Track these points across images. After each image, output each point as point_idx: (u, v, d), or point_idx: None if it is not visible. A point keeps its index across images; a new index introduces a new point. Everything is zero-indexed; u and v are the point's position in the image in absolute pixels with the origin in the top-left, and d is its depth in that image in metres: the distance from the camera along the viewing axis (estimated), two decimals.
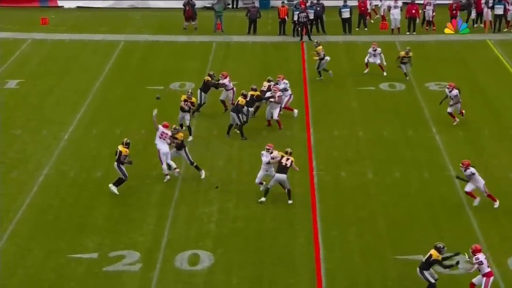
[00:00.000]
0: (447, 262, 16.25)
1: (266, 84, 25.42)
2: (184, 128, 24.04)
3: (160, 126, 21.59)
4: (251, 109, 24.60)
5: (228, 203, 20.44)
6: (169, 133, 21.53)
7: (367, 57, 29.52)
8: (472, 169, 19.71)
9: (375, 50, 29.38)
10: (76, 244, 18.49)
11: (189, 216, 19.80)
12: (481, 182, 19.80)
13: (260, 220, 19.64)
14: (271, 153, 20.42)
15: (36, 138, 24.45)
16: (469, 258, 16.20)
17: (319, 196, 20.80)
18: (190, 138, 24.18)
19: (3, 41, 34.22)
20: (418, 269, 16.18)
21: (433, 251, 16.12)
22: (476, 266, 15.90)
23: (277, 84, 25.32)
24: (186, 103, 23.97)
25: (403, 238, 18.74)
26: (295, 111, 25.80)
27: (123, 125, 25.18)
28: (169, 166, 21.53)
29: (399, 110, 26.65)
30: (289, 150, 20.48)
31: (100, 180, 21.38)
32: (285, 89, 25.44)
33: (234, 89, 26.04)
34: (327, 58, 28.90)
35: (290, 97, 25.78)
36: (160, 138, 21.49)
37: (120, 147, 20.43)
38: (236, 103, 24.34)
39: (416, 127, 25.17)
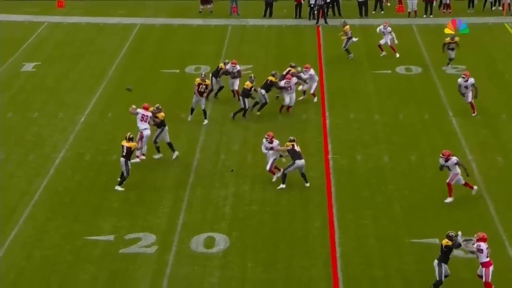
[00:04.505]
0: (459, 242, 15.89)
1: (289, 69, 25.04)
2: (192, 115, 23.97)
3: (139, 110, 21.41)
4: (264, 93, 24.44)
5: (243, 186, 20.46)
6: (150, 114, 21.43)
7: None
8: (455, 158, 19.10)
9: (386, 28, 29.26)
10: (93, 227, 18.60)
11: (205, 199, 19.84)
12: (457, 172, 19.14)
13: (275, 204, 19.65)
14: (270, 142, 20.28)
15: (53, 121, 24.57)
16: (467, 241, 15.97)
17: (334, 180, 20.77)
18: (206, 122, 24.19)
19: (20, 24, 34.33)
20: (436, 260, 15.86)
21: (444, 240, 15.86)
22: (474, 249, 15.60)
23: (295, 72, 24.97)
24: (201, 86, 23.93)
25: (419, 222, 18.69)
26: (315, 98, 25.62)
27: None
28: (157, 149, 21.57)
29: (415, 94, 26.51)
30: (291, 138, 20.33)
31: (116, 163, 21.43)
32: (312, 78, 25.15)
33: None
34: (354, 39, 28.93)
35: (316, 83, 25.54)
36: (141, 121, 21.37)
37: (126, 144, 19.98)
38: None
39: (432, 111, 25.03)
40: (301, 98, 25.57)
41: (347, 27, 29.10)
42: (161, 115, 21.64)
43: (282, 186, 20.16)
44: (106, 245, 17.86)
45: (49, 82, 27.76)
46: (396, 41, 29.35)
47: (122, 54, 30.52)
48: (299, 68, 25.44)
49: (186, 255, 17.50)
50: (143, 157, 21.54)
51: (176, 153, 21.78)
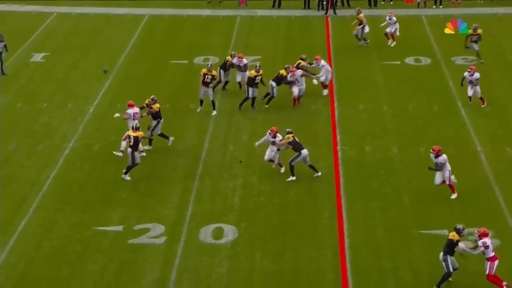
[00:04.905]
0: (463, 249, 15.74)
1: (299, 62, 24.91)
2: (202, 107, 23.95)
3: (129, 111, 21.28)
4: (275, 85, 24.38)
5: (251, 177, 20.47)
6: (137, 109, 21.37)
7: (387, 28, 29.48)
8: (444, 156, 18.84)
9: (391, 18, 29.20)
10: (102, 217, 18.66)
11: (213, 190, 19.87)
12: (447, 169, 18.90)
13: (283, 194, 19.66)
14: (274, 136, 20.24)
15: (62, 111, 24.61)
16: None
17: (343, 171, 20.75)
18: (214, 112, 24.18)
19: (29, 14, 34.36)
20: (441, 253, 15.80)
21: (451, 233, 15.79)
22: (482, 249, 15.50)
23: (304, 65, 24.85)
24: (206, 76, 23.89)
25: (428, 213, 18.66)
26: (325, 91, 25.47)
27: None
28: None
29: (424, 85, 26.42)
30: (289, 130, 20.28)
31: (125, 153, 21.46)
32: (325, 69, 24.95)
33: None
34: (366, 29, 28.90)
35: (330, 74, 25.31)
36: (134, 120, 21.29)
37: (133, 133, 19.90)
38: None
39: (441, 102, 24.96)
40: (326, 92, 25.30)
41: (362, 15, 29.06)
42: (156, 106, 21.61)
43: (292, 178, 20.14)
44: (115, 235, 17.92)
45: (58, 72, 27.80)
46: (398, 33, 29.26)
47: (131, 44, 30.52)
48: (308, 61, 25.27)
49: (194, 246, 17.54)
50: (143, 153, 21.34)
51: (171, 138, 21.74)
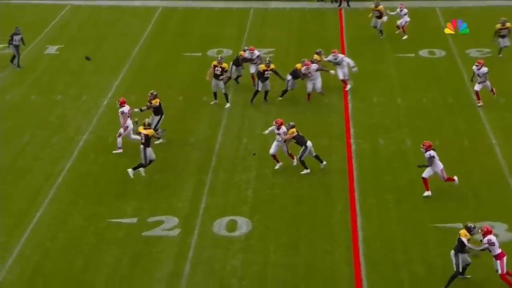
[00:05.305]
0: (470, 248, 15.56)
1: (316, 57, 24.72)
2: (217, 99, 23.96)
3: (123, 109, 21.24)
4: (290, 79, 24.33)
5: (265, 170, 20.48)
6: (128, 107, 21.32)
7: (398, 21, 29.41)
8: (432, 152, 18.66)
9: (402, 10, 29.12)
10: (116, 209, 18.74)
11: (227, 183, 19.90)
12: (439, 166, 18.74)
13: (297, 187, 19.67)
14: (278, 128, 20.19)
15: (76, 103, 24.70)
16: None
17: (357, 163, 20.73)
18: (228, 105, 24.19)
19: (43, 6, 34.45)
20: (452, 251, 15.67)
21: (462, 231, 15.64)
22: (486, 246, 15.36)
23: (317, 58, 24.77)
24: (216, 68, 23.88)
25: (442, 206, 18.61)
26: (348, 86, 25.24)
27: (162, 92, 25.20)
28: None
29: (438, 77, 26.32)
30: (292, 123, 20.20)
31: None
32: (337, 63, 24.84)
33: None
34: (384, 18, 28.93)
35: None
36: (129, 117, 21.33)
37: (144, 131, 19.71)
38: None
39: (456, 95, 24.85)
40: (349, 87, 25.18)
41: (381, 6, 29.01)
42: (155, 101, 21.59)
43: (306, 170, 20.13)
44: (129, 227, 17.99)
45: (72, 64, 27.88)
46: (398, 23, 29.20)
47: (144, 37, 30.56)
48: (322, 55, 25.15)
49: (208, 238, 17.59)
50: (121, 151, 21.29)
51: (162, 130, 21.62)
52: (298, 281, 16.23)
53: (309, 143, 20.02)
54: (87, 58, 23.90)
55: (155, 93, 21.88)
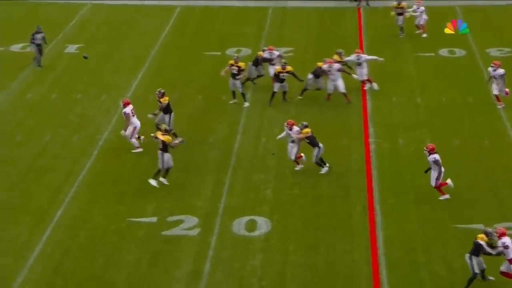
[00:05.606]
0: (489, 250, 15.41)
1: (336, 57, 24.63)
2: (235, 99, 23.94)
3: (126, 110, 21.21)
4: (311, 77, 24.29)
5: (284, 169, 20.47)
6: (131, 107, 21.23)
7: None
8: (436, 155, 18.39)
9: (419, 8, 29.02)
10: (136, 208, 18.81)
11: (246, 182, 19.92)
12: (439, 171, 18.43)
13: (316, 187, 19.65)
14: (290, 129, 20.14)
15: (96, 102, 24.83)
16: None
17: (376, 163, 20.67)
18: (246, 104, 24.21)
19: (63, 5, 34.63)
20: (467, 254, 15.53)
21: (480, 235, 15.48)
22: (501, 249, 15.24)
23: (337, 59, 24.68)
24: (232, 67, 23.90)
25: (463, 207, 18.52)
26: (374, 84, 24.95)
27: (181, 91, 25.35)
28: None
29: (459, 77, 26.18)
30: (306, 123, 20.18)
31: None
32: (358, 63, 24.75)
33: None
34: (407, 12, 28.84)
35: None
36: (133, 116, 21.30)
37: (161, 137, 19.49)
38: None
39: (476, 94, 24.71)
40: (368, 86, 25.07)
41: (405, 3, 28.92)
42: (164, 99, 21.59)
43: (325, 168, 20.08)
44: (149, 226, 18.06)
45: (92, 63, 27.98)
46: (421, 23, 29.03)
47: (164, 35, 30.64)
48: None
49: (228, 238, 17.62)
50: (140, 149, 21.37)
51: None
52: (318, 280, 16.22)
53: (321, 145, 19.94)
54: (85, 57, 24.06)
55: (162, 91, 21.91)
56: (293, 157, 20.24)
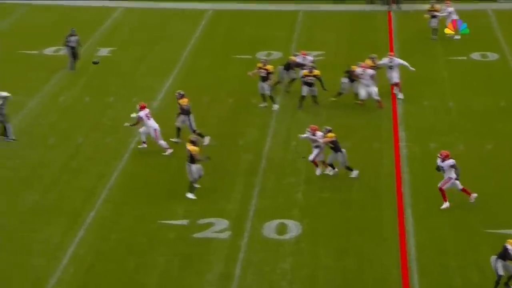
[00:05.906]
0: None
1: (368, 62, 24.48)
2: (266, 102, 23.99)
3: (140, 113, 21.28)
4: (345, 81, 24.25)
5: (314, 173, 20.44)
6: (147, 111, 21.31)
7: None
8: (451, 161, 18.20)
9: (446, 8, 28.96)
10: (166, 210, 18.93)
11: (276, 186, 19.94)
12: (451, 176, 18.33)
13: (346, 191, 19.61)
14: (313, 134, 20.05)
15: (127, 105, 24.97)
16: None
17: (408, 168, 20.56)
18: (275, 106, 24.25)
19: (95, 9, 35.00)
20: (494, 256, 15.41)
21: (509, 240, 15.33)
22: None
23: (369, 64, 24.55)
24: (260, 70, 23.96)
25: (496, 212, 18.36)
26: (400, 93, 24.65)
27: (211, 94, 25.48)
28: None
29: (491, 81, 25.98)
30: (329, 128, 20.09)
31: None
32: (390, 66, 24.58)
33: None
34: (439, 16, 28.83)
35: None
36: (148, 119, 21.36)
37: (189, 146, 19.29)
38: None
39: (508, 98, 24.51)
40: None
41: (439, 6, 28.85)
42: (183, 101, 21.61)
43: (355, 172, 20.03)
44: (180, 229, 18.15)
45: (124, 67, 28.28)
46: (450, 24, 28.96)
47: (195, 39, 30.82)
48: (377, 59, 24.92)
49: (258, 241, 17.64)
50: (170, 150, 21.44)
51: (178, 140, 21.74)
52: (348, 284, 16.18)
53: (343, 150, 19.89)
54: (94, 63, 24.25)
55: (182, 92, 22.03)
56: (311, 158, 20.19)
